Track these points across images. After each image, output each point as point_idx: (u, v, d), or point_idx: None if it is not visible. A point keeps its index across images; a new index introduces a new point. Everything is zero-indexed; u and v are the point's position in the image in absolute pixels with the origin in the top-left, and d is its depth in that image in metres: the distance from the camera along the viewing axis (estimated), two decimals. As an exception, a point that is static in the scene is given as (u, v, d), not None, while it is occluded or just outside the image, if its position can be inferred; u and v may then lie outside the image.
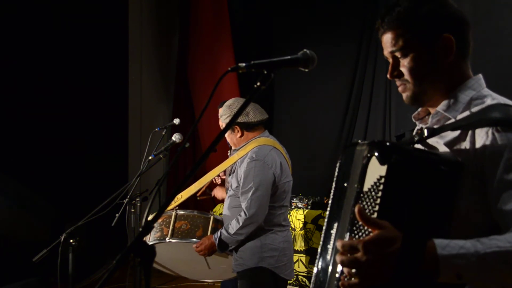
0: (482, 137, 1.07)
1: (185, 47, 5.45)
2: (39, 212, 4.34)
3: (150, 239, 2.70)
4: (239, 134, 2.66)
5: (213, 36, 5.17)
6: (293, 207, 4.13)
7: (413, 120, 1.32)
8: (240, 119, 2.61)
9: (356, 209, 0.98)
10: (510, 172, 1.01)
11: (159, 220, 2.66)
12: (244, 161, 2.56)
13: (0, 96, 4.01)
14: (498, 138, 1.04)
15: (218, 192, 3.23)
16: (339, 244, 0.99)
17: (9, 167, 4.01)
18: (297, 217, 4.00)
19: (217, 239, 2.52)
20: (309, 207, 4.09)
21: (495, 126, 1.05)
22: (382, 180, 1.01)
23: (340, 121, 4.82)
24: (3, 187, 4.04)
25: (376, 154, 1.04)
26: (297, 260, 3.97)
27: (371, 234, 0.97)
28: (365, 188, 1.06)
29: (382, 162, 1.02)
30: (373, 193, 1.03)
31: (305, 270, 3.96)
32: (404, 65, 1.20)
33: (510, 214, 1.00)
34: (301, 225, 3.98)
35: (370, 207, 1.04)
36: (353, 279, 0.97)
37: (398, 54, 1.21)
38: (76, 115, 4.56)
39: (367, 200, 1.04)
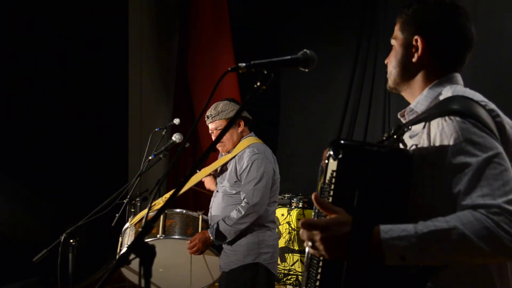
0: (434, 127, 1.13)
1: (185, 47, 5.44)
2: (39, 212, 4.34)
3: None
4: (241, 129, 2.69)
5: (213, 36, 5.17)
6: (293, 207, 4.13)
7: (399, 117, 1.39)
8: (242, 113, 2.64)
9: (312, 196, 1.10)
10: (456, 156, 1.07)
11: (143, 222, 2.62)
12: (244, 157, 2.59)
13: (1, 96, 4.01)
14: (445, 127, 1.10)
15: (208, 182, 3.21)
16: (302, 221, 1.10)
17: (9, 167, 4.01)
18: (297, 217, 4.00)
19: (214, 230, 2.50)
20: (309, 207, 4.09)
21: (446, 116, 1.11)
22: (334, 174, 1.13)
23: (339, 121, 4.81)
24: (3, 187, 4.04)
25: (330, 152, 1.15)
26: (297, 260, 3.97)
27: (328, 217, 1.09)
28: (326, 182, 1.17)
29: (333, 158, 1.14)
30: (328, 186, 1.15)
31: (305, 270, 3.96)
32: (391, 54, 1.34)
33: (458, 195, 1.05)
34: (301, 225, 3.97)
35: (327, 198, 1.15)
36: (311, 250, 1.10)
37: (392, 42, 1.34)
38: (76, 115, 4.56)
39: (326, 192, 1.16)
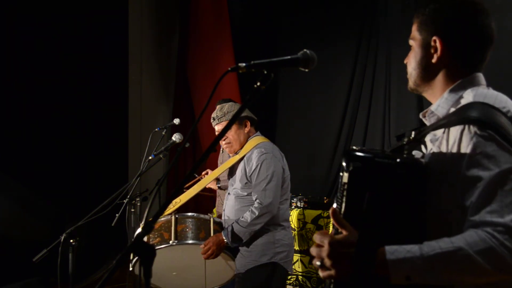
0: (454, 135, 1.11)
1: (185, 47, 5.44)
2: (39, 212, 4.34)
3: None
4: (247, 129, 2.71)
5: (213, 36, 5.17)
6: (293, 207, 4.12)
7: (420, 117, 1.34)
8: (248, 114, 2.70)
9: (330, 211, 1.11)
10: (470, 169, 1.05)
11: (156, 226, 2.56)
12: (252, 157, 2.59)
13: (0, 96, 4.01)
14: (463, 136, 1.08)
15: (211, 184, 3.22)
16: (314, 236, 1.12)
17: (9, 167, 4.01)
18: (297, 217, 4.00)
19: (229, 233, 2.49)
20: (309, 207, 4.08)
21: (465, 124, 1.09)
22: (345, 187, 1.12)
23: (339, 121, 4.81)
24: (3, 187, 4.04)
25: (344, 163, 1.14)
26: (297, 260, 3.97)
27: (340, 235, 1.09)
28: (339, 193, 1.16)
29: (345, 170, 1.12)
30: (340, 198, 1.14)
31: (305, 270, 3.96)
32: (410, 55, 1.31)
33: (468, 209, 1.04)
34: (301, 225, 3.97)
35: (339, 209, 1.15)
36: (321, 273, 1.10)
37: (410, 43, 1.31)
38: (76, 115, 4.56)
39: (339, 202, 1.15)
